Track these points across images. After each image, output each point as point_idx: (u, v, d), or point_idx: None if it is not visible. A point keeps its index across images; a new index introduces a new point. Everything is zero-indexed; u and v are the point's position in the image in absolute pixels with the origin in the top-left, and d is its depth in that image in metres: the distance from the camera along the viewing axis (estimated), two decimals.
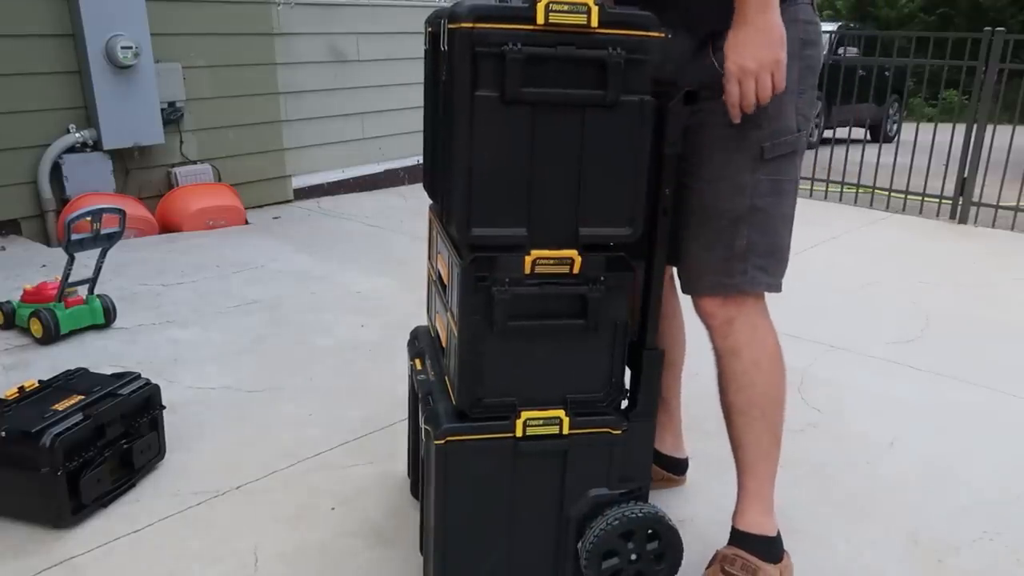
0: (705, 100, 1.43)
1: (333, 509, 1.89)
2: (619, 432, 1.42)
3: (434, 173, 1.53)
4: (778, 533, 1.63)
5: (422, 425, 1.44)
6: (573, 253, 1.32)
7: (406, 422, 1.94)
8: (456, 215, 1.28)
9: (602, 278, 1.33)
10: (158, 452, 2.04)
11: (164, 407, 2.06)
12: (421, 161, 1.69)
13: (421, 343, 1.72)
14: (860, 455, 2.23)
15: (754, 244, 1.50)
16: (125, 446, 1.92)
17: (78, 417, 1.81)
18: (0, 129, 3.83)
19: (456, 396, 1.38)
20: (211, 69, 4.56)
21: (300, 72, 5.06)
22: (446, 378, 1.47)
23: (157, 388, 2.04)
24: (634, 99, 1.27)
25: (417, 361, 1.65)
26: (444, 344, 1.51)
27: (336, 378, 2.59)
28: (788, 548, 1.63)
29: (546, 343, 1.37)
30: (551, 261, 1.31)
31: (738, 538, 1.62)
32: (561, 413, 1.38)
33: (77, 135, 4.04)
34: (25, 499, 1.78)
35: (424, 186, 1.67)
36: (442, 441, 1.35)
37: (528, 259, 1.30)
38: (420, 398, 1.49)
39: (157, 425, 2.03)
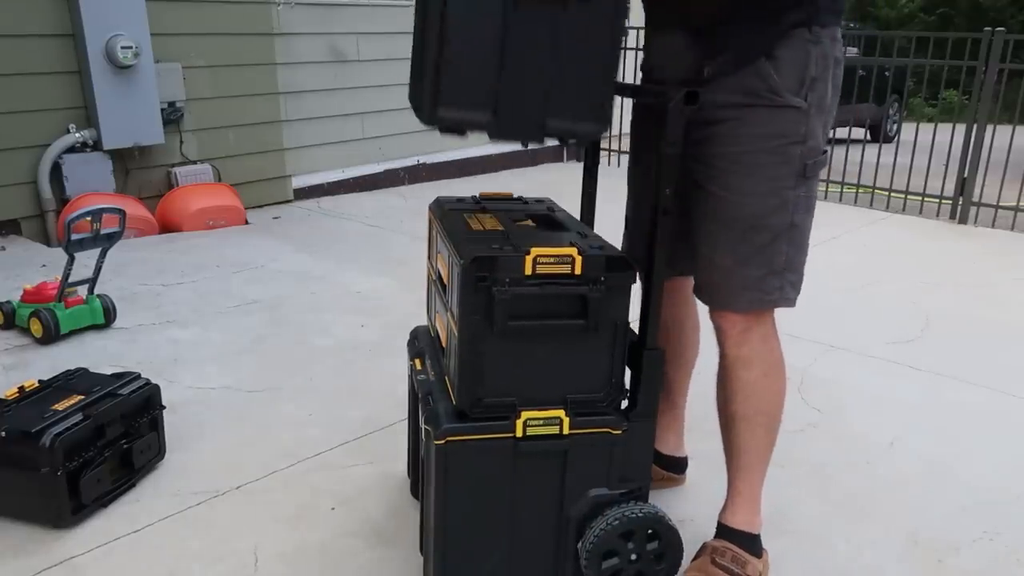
0: (740, 108, 1.41)
1: (333, 509, 1.89)
2: (619, 432, 1.42)
3: (414, 80, 1.47)
4: (760, 531, 1.64)
5: (422, 425, 1.44)
6: (573, 251, 1.32)
7: (406, 422, 1.94)
8: (426, 95, 1.26)
9: (602, 278, 1.33)
10: (158, 452, 2.04)
11: (164, 407, 2.06)
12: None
13: (421, 343, 1.72)
14: (860, 455, 2.22)
15: (790, 260, 1.49)
16: (125, 446, 1.92)
17: (78, 417, 1.81)
18: (0, 129, 3.83)
19: (456, 396, 1.38)
20: (211, 69, 4.56)
21: (300, 72, 5.06)
22: (446, 378, 1.47)
23: (157, 388, 2.04)
24: None
25: (417, 361, 1.65)
26: (444, 344, 1.51)
27: (336, 378, 2.59)
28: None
29: (546, 343, 1.37)
30: (551, 260, 1.31)
31: (727, 533, 1.63)
32: (561, 413, 1.38)
33: (77, 135, 4.04)
34: (25, 499, 1.78)
35: (409, 97, 1.64)
36: (442, 441, 1.35)
37: (528, 259, 1.30)
38: (420, 398, 1.49)
39: (157, 425, 2.03)
